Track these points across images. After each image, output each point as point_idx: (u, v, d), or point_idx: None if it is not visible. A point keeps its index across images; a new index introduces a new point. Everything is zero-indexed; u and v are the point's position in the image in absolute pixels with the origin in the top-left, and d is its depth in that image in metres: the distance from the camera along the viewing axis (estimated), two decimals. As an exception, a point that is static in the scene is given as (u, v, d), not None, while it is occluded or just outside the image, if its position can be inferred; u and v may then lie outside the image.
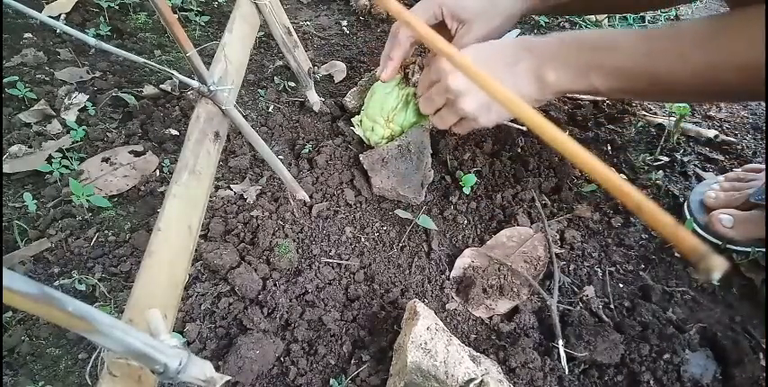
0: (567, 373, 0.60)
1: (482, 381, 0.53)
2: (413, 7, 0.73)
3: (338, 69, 1.00)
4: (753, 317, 0.68)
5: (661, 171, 0.83)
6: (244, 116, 0.73)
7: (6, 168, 0.78)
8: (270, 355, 0.59)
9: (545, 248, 0.72)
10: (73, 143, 0.83)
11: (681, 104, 0.85)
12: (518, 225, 0.75)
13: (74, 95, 0.89)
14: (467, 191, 0.78)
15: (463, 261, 0.71)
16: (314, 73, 0.94)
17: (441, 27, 0.70)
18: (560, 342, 0.62)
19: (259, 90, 0.94)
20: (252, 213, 0.73)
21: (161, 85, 0.94)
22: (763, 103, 1.00)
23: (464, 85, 0.60)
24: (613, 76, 0.56)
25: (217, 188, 0.78)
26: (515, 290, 0.67)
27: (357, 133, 0.84)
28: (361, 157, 0.77)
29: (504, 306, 0.67)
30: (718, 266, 0.19)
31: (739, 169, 0.81)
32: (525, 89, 0.60)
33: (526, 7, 0.71)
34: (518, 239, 0.73)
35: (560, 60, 0.58)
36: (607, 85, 0.57)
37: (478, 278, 0.67)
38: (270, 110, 0.91)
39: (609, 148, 0.88)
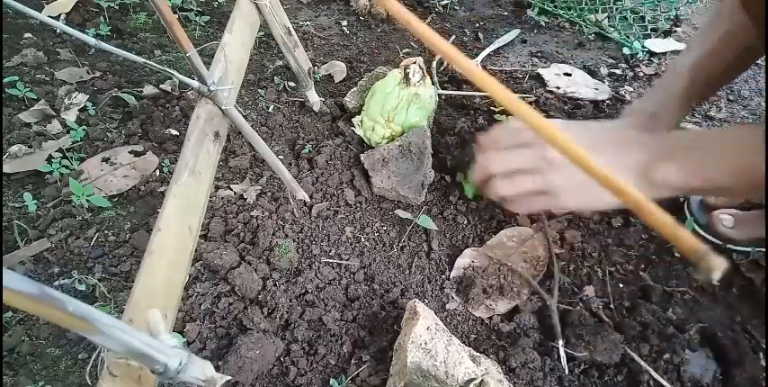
0: (567, 373, 0.60)
1: (482, 381, 0.53)
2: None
3: (338, 69, 1.00)
4: (753, 317, 0.68)
5: (661, 171, 0.83)
6: (244, 116, 0.73)
7: (6, 168, 0.78)
8: (270, 355, 0.59)
9: (545, 248, 0.72)
10: (73, 143, 0.83)
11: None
12: (518, 225, 0.75)
13: (74, 95, 0.89)
14: (469, 195, 0.78)
15: (463, 261, 0.71)
16: (314, 73, 0.94)
17: None
18: (560, 342, 0.62)
19: (259, 90, 0.94)
20: (252, 213, 0.73)
21: (161, 85, 0.94)
22: (764, 104, 1.00)
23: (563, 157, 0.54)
24: (744, 174, 0.49)
25: (217, 188, 0.78)
26: (515, 290, 0.67)
27: (357, 133, 0.84)
28: (362, 156, 0.77)
29: (503, 306, 0.67)
30: (718, 266, 0.19)
31: None
32: (627, 180, 0.53)
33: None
34: (518, 239, 0.73)
35: (677, 158, 0.52)
36: (736, 183, 0.50)
37: (478, 278, 0.67)
38: (270, 110, 0.91)
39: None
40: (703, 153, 0.51)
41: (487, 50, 1.09)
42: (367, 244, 0.73)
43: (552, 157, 0.54)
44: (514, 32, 1.14)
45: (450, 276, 0.70)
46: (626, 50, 1.11)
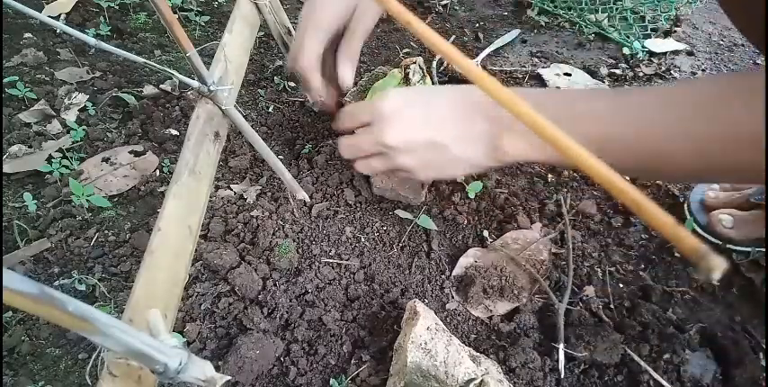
0: (563, 376, 0.60)
1: (482, 381, 0.53)
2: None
3: (338, 69, 1.00)
4: (753, 317, 0.68)
5: (661, 171, 0.83)
6: (244, 116, 0.73)
7: (6, 168, 0.78)
8: (270, 355, 0.59)
9: (549, 252, 0.72)
10: (73, 143, 0.83)
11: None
12: (518, 225, 0.75)
13: (74, 95, 0.89)
14: (471, 195, 0.78)
15: (466, 260, 0.71)
16: (314, 73, 0.94)
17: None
18: (561, 346, 0.61)
19: (259, 90, 0.94)
20: (252, 213, 0.73)
21: (161, 85, 0.94)
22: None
23: (404, 142, 0.53)
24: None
25: (217, 188, 0.78)
26: (515, 292, 0.67)
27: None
28: (361, 157, 0.77)
29: (503, 308, 0.67)
30: (718, 266, 0.19)
31: None
32: (478, 156, 0.53)
33: None
34: (523, 242, 0.73)
35: (521, 131, 0.50)
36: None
37: (479, 278, 0.67)
38: (270, 110, 0.91)
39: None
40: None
41: (487, 50, 1.09)
42: (367, 244, 0.73)
43: (390, 142, 0.54)
44: (514, 32, 1.14)
45: (452, 275, 0.70)
46: (626, 50, 1.11)
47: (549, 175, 0.83)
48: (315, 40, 0.64)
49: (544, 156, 0.51)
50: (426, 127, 0.53)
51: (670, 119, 0.42)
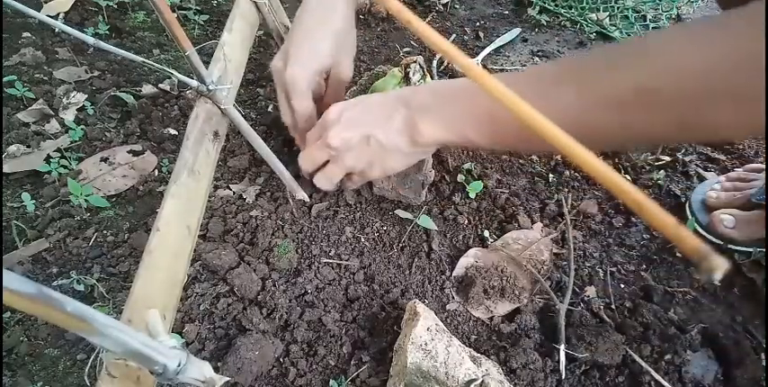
0: (564, 377, 0.60)
1: (483, 382, 0.53)
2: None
3: (338, 69, 0.99)
4: (754, 317, 0.67)
5: (662, 171, 0.82)
6: (243, 115, 0.73)
7: (5, 168, 0.77)
8: (269, 356, 0.59)
9: (550, 252, 0.72)
10: (71, 143, 0.82)
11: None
12: (519, 225, 0.75)
13: (72, 95, 0.89)
14: (472, 195, 0.78)
15: (467, 260, 0.71)
16: (314, 72, 0.94)
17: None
18: (562, 346, 0.61)
19: (258, 89, 0.94)
20: (251, 213, 0.73)
21: (160, 85, 0.94)
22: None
23: (342, 140, 0.57)
24: (485, 125, 0.49)
25: (216, 188, 0.77)
26: (516, 292, 0.67)
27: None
28: (361, 156, 0.77)
29: (503, 308, 0.66)
30: (719, 267, 0.19)
31: (740, 169, 0.81)
32: (402, 144, 0.56)
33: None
34: (524, 242, 0.73)
35: (434, 111, 0.53)
36: (483, 137, 0.51)
37: (480, 278, 0.67)
38: (269, 109, 0.91)
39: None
40: (456, 106, 0.52)
41: (488, 49, 1.08)
42: (367, 244, 0.73)
43: (332, 143, 0.57)
44: (515, 31, 1.14)
45: (452, 275, 0.70)
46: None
47: (551, 175, 0.83)
48: (305, 103, 0.65)
49: (459, 138, 0.53)
50: (359, 124, 0.57)
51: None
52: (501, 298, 0.67)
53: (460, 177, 0.79)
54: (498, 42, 1.11)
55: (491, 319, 0.66)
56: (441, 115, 0.52)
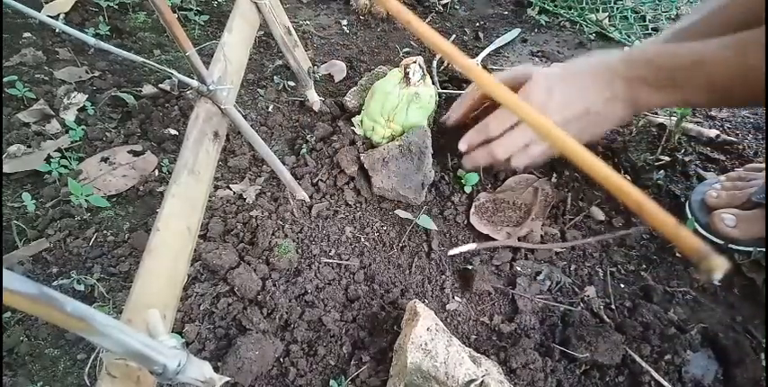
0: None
1: (482, 381, 0.53)
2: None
3: (338, 69, 1.00)
4: (754, 317, 0.67)
5: (662, 171, 0.83)
6: (243, 116, 0.73)
7: (5, 168, 0.77)
8: (269, 356, 0.59)
9: (551, 186, 0.80)
10: (72, 143, 0.83)
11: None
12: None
13: (73, 95, 0.89)
14: (468, 190, 0.78)
15: (479, 202, 0.77)
16: (314, 72, 0.94)
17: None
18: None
19: (259, 89, 0.94)
20: (251, 213, 0.73)
21: (160, 85, 0.94)
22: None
23: (562, 119, 0.63)
24: (704, 91, 0.58)
25: (216, 188, 0.78)
26: (530, 218, 0.74)
27: (357, 133, 0.84)
28: (362, 156, 0.77)
29: (522, 231, 0.73)
30: (719, 267, 0.19)
31: (741, 168, 0.81)
32: (618, 113, 0.64)
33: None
34: (525, 183, 0.81)
35: (652, 83, 0.60)
36: (705, 99, 0.60)
37: (495, 210, 0.76)
38: (269, 109, 0.91)
39: (610, 147, 0.88)
40: (679, 76, 0.59)
41: (488, 50, 1.09)
42: (367, 244, 0.73)
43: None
44: (515, 32, 1.14)
45: (470, 214, 0.76)
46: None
47: (552, 175, 0.83)
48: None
49: (679, 102, 0.65)
50: (576, 101, 0.63)
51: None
52: (519, 224, 0.75)
53: (460, 172, 0.79)
54: (498, 43, 1.11)
55: (491, 319, 0.66)
56: (660, 85, 0.60)
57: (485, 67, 1.05)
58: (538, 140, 0.66)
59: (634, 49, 0.65)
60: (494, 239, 0.74)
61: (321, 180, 0.79)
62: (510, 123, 0.67)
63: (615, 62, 0.63)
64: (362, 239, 0.73)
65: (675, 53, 0.61)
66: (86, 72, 0.95)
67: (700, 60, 0.58)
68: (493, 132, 0.68)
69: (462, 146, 0.72)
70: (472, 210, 0.77)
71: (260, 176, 0.80)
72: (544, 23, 1.18)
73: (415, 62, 0.77)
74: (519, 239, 0.73)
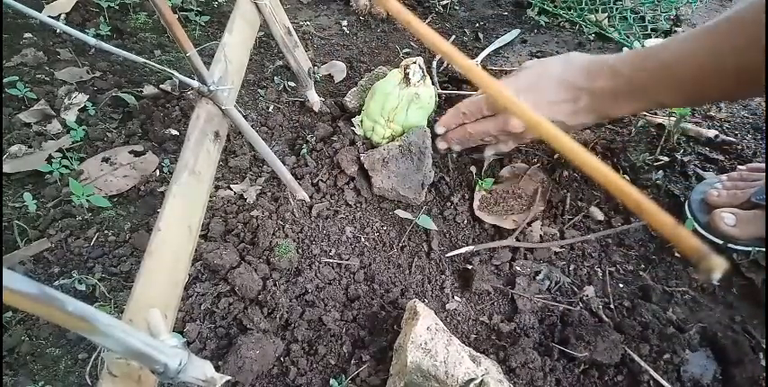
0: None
1: (482, 381, 0.53)
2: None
3: (338, 69, 1.00)
4: (753, 317, 0.68)
5: (661, 171, 0.83)
6: (244, 116, 0.73)
7: (6, 168, 0.77)
8: (270, 355, 0.59)
9: (546, 172, 0.82)
10: (73, 143, 0.83)
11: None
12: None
13: (74, 95, 0.89)
14: (480, 191, 0.79)
15: (480, 195, 0.79)
16: (314, 73, 0.94)
17: None
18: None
19: (259, 90, 0.94)
20: (252, 213, 0.73)
21: (161, 85, 0.94)
22: (764, 103, 1.00)
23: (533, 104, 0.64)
24: (677, 91, 0.57)
25: (217, 188, 0.78)
26: (532, 205, 0.76)
27: (357, 133, 0.84)
28: (362, 157, 0.77)
29: (524, 217, 0.75)
30: (718, 266, 0.19)
31: (743, 167, 0.81)
32: (583, 120, 0.65)
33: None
34: (519, 171, 0.83)
35: (623, 92, 0.60)
36: (674, 100, 0.60)
37: (497, 200, 0.78)
38: (270, 110, 0.91)
39: (609, 147, 0.88)
40: (643, 81, 0.59)
41: (488, 50, 1.09)
42: (367, 244, 0.73)
43: (516, 128, 0.66)
44: (515, 32, 1.14)
45: (474, 206, 0.77)
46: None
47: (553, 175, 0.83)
48: None
49: (653, 105, 0.64)
50: (541, 110, 0.64)
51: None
52: (521, 211, 0.77)
53: (473, 169, 0.82)
54: (498, 43, 1.11)
55: (490, 318, 0.67)
56: (630, 94, 0.60)
57: (484, 67, 1.05)
58: (512, 133, 0.68)
59: (595, 59, 0.65)
60: (501, 230, 0.76)
61: (321, 180, 0.79)
62: (486, 112, 0.69)
63: (577, 75, 0.63)
64: (362, 239, 0.74)
65: (638, 56, 0.60)
66: (87, 72, 0.95)
67: (665, 61, 0.57)
68: (469, 118, 0.71)
69: (439, 129, 0.75)
70: (476, 203, 0.77)
71: (260, 177, 0.80)
72: (544, 24, 1.18)
73: (414, 63, 0.77)
74: (518, 239, 0.73)
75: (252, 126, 0.74)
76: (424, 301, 0.66)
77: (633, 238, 0.75)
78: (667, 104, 0.61)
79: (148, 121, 0.87)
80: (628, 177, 0.82)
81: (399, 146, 0.75)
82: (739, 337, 0.64)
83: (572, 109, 0.64)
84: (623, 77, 0.59)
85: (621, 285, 0.71)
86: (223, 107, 0.57)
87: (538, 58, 1.09)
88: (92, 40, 0.48)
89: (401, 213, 0.73)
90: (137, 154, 0.82)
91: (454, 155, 0.83)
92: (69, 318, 0.24)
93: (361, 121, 0.83)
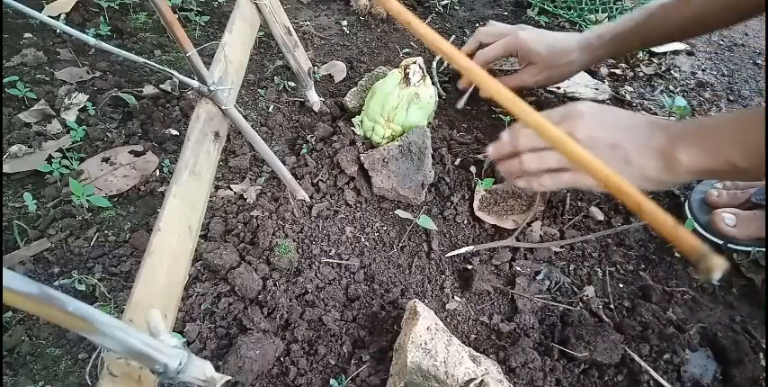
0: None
1: (482, 381, 0.53)
2: (498, 42, 0.82)
3: (338, 69, 1.00)
4: (753, 317, 0.68)
5: (661, 171, 0.83)
6: (244, 116, 0.73)
7: (6, 168, 0.78)
8: (270, 355, 0.59)
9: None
10: (73, 143, 0.83)
11: (680, 104, 0.85)
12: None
13: (74, 95, 0.89)
14: (480, 190, 0.79)
15: (480, 195, 0.78)
16: (314, 73, 0.94)
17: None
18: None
19: (259, 90, 0.94)
20: (252, 213, 0.73)
21: (161, 85, 0.94)
22: (764, 104, 1.00)
23: (589, 137, 0.57)
24: (755, 148, 0.52)
25: (217, 188, 0.78)
26: (531, 206, 0.75)
27: (357, 133, 0.84)
28: (362, 157, 0.77)
29: (524, 217, 0.75)
30: (718, 266, 0.19)
31: None
32: (651, 167, 0.56)
33: (588, 61, 0.81)
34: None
35: (695, 139, 0.55)
36: (749, 160, 0.53)
37: (497, 201, 0.78)
38: (270, 110, 0.91)
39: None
40: (720, 135, 0.54)
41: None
42: (367, 244, 0.73)
43: (578, 135, 0.58)
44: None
45: (474, 206, 0.76)
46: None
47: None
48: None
49: (722, 164, 0.54)
50: (614, 130, 0.58)
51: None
52: (522, 212, 0.77)
53: (473, 169, 0.81)
54: None
55: (490, 318, 0.67)
56: (704, 142, 0.54)
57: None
58: (568, 166, 0.60)
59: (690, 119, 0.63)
60: (501, 230, 0.75)
61: (321, 180, 0.79)
62: (539, 143, 0.62)
63: (661, 119, 0.62)
64: (362, 239, 0.74)
65: (722, 115, 0.57)
66: (87, 72, 0.95)
67: (745, 118, 0.54)
68: (522, 148, 0.63)
69: (492, 152, 0.67)
70: (476, 204, 0.77)
71: (260, 176, 0.80)
72: (544, 24, 1.18)
73: (414, 63, 0.77)
74: (518, 239, 0.73)
75: (252, 126, 0.74)
76: (424, 301, 0.66)
77: (633, 238, 0.75)
78: (738, 168, 0.54)
79: (148, 121, 0.87)
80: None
81: (399, 146, 0.75)
82: (739, 337, 0.64)
83: (642, 142, 0.57)
84: (704, 125, 0.56)
85: (621, 285, 0.71)
86: (223, 107, 0.57)
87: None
88: (92, 40, 0.48)
89: (401, 213, 0.73)
90: (137, 154, 0.82)
91: (454, 155, 0.83)
92: (69, 318, 0.24)
93: (361, 121, 0.83)
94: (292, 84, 0.96)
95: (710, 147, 0.54)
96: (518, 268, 0.71)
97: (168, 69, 0.52)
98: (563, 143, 0.22)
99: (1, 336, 0.61)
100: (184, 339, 0.60)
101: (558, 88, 0.99)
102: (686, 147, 0.55)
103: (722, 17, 0.70)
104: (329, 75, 1.00)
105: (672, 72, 1.06)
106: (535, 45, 0.79)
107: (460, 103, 0.88)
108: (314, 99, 0.89)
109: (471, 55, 0.86)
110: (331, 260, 0.70)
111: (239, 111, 0.70)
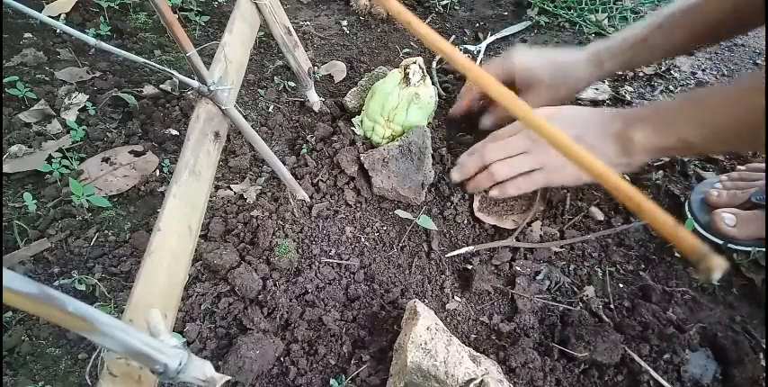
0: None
1: (482, 381, 0.53)
2: (488, 64, 0.81)
3: (338, 69, 1.00)
4: (753, 317, 0.68)
5: (661, 171, 0.83)
6: (244, 116, 0.73)
7: (6, 168, 0.78)
8: (270, 355, 0.59)
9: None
10: (73, 143, 0.83)
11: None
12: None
13: (74, 95, 0.89)
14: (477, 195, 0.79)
15: (480, 196, 0.78)
16: (314, 73, 0.94)
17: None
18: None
19: (259, 90, 0.94)
20: (252, 213, 0.73)
21: (161, 85, 0.94)
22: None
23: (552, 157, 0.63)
24: (706, 125, 0.56)
25: (217, 188, 0.78)
26: (531, 207, 0.75)
27: (357, 133, 0.84)
28: (362, 157, 0.77)
29: (524, 217, 0.75)
30: (718, 266, 0.19)
31: (743, 167, 0.81)
32: (611, 151, 0.62)
33: (594, 78, 0.78)
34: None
35: (648, 119, 0.59)
36: (700, 136, 0.57)
37: (496, 201, 0.77)
38: (270, 110, 0.91)
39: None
40: (675, 113, 0.58)
41: (494, 37, 1.10)
42: (367, 244, 0.73)
43: (538, 137, 0.61)
44: (524, 24, 1.16)
45: (474, 207, 0.76)
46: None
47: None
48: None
49: (676, 141, 0.58)
50: (573, 125, 0.63)
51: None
52: (522, 213, 0.77)
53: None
54: (505, 32, 1.12)
55: (490, 318, 0.67)
56: (657, 121, 0.58)
57: (483, 62, 1.05)
58: (540, 167, 0.66)
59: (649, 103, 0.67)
60: (501, 230, 0.75)
61: (321, 180, 0.79)
62: (508, 152, 0.68)
63: (623, 110, 0.65)
64: (362, 239, 0.74)
65: (676, 97, 0.61)
66: (87, 72, 0.95)
67: (700, 99, 0.57)
68: (490, 160, 0.69)
69: (455, 175, 0.74)
70: (475, 204, 0.77)
71: (260, 176, 0.80)
72: (544, 24, 1.18)
73: (414, 63, 0.77)
74: (518, 239, 0.73)
75: (252, 126, 0.74)
76: (424, 301, 0.66)
77: (633, 238, 0.75)
78: (694, 144, 0.58)
79: (148, 121, 0.87)
80: (627, 177, 0.82)
81: (399, 146, 0.75)
82: (739, 337, 0.64)
83: (603, 132, 0.63)
84: (660, 109, 0.60)
85: (621, 285, 0.71)
86: (223, 107, 0.57)
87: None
88: (92, 40, 0.48)
89: (401, 213, 0.73)
90: (137, 154, 0.82)
91: (454, 155, 0.83)
92: (69, 318, 0.24)
93: (361, 121, 0.83)
94: (292, 84, 0.96)
95: (663, 125, 0.58)
96: (518, 268, 0.71)
97: (168, 69, 0.52)
98: (564, 143, 0.22)
99: (1, 336, 0.61)
100: (184, 339, 0.60)
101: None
102: (641, 127, 0.59)
103: (731, 26, 0.70)
104: (329, 75, 1.00)
105: (672, 72, 1.06)
106: (534, 65, 0.77)
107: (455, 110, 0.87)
108: (314, 99, 0.89)
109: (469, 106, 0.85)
110: (331, 260, 0.70)
111: (239, 111, 0.70)
